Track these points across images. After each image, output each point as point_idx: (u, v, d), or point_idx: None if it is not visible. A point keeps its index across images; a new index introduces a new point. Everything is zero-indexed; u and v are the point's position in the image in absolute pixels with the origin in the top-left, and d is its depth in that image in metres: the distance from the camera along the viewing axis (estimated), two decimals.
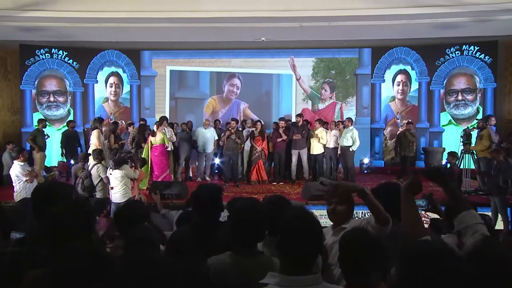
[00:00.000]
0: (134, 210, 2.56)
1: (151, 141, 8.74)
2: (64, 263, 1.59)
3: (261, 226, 2.23)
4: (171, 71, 12.62)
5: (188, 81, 12.77)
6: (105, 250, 1.96)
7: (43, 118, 10.91)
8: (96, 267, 1.61)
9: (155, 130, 8.88)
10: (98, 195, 6.80)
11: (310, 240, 1.73)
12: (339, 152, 9.44)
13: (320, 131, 9.45)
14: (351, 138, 9.22)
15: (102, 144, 8.73)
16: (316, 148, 9.51)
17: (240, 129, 9.99)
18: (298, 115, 9.95)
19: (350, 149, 9.23)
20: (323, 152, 9.53)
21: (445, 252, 1.38)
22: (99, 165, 6.91)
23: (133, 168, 6.86)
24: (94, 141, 8.67)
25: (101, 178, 6.81)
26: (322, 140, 9.41)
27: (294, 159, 9.61)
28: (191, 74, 12.73)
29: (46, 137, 9.79)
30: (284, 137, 9.48)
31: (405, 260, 1.40)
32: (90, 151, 8.26)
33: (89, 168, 6.94)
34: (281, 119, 10.04)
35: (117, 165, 6.55)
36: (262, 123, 9.84)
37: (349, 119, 9.73)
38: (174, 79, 12.65)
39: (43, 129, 9.85)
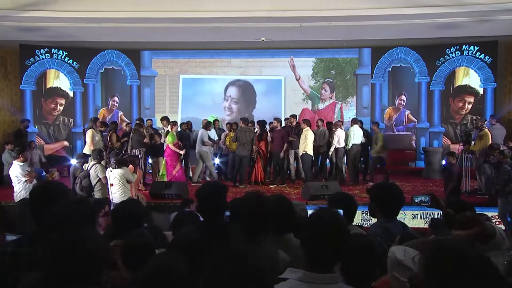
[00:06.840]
0: (131, 210, 2.53)
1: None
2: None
3: (265, 217, 2.27)
4: (183, 79, 12.68)
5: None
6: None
7: (27, 119, 10.94)
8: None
9: (170, 130, 9.01)
10: (97, 195, 6.71)
11: (338, 243, 1.70)
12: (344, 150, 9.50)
13: (306, 131, 9.01)
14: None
15: (94, 144, 8.53)
16: (303, 148, 9.01)
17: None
18: (292, 116, 9.87)
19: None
20: (306, 152, 8.96)
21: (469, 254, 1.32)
22: (97, 165, 6.83)
23: (132, 170, 6.85)
24: (87, 141, 8.65)
25: (99, 178, 6.75)
26: (308, 141, 8.90)
27: (292, 159, 9.60)
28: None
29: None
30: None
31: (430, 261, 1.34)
32: (84, 151, 8.26)
33: (88, 168, 6.90)
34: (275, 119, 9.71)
35: (118, 165, 6.56)
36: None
37: (355, 120, 9.82)
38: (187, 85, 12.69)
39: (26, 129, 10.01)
